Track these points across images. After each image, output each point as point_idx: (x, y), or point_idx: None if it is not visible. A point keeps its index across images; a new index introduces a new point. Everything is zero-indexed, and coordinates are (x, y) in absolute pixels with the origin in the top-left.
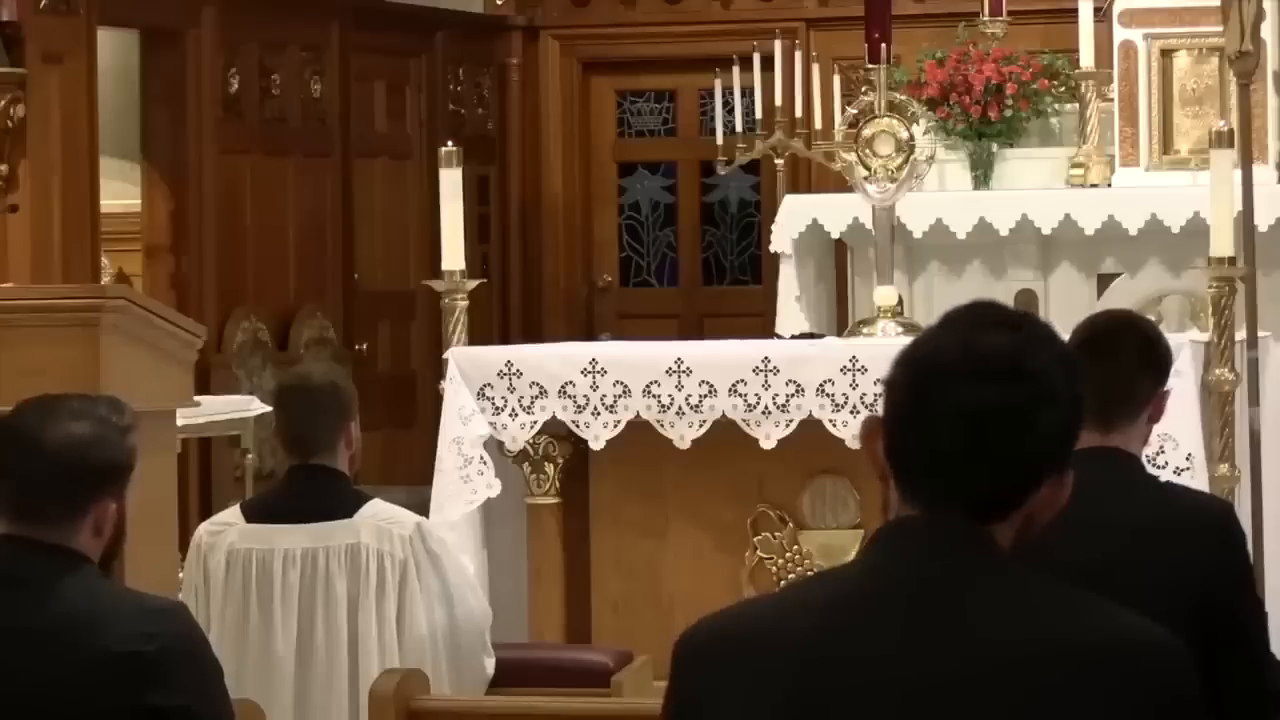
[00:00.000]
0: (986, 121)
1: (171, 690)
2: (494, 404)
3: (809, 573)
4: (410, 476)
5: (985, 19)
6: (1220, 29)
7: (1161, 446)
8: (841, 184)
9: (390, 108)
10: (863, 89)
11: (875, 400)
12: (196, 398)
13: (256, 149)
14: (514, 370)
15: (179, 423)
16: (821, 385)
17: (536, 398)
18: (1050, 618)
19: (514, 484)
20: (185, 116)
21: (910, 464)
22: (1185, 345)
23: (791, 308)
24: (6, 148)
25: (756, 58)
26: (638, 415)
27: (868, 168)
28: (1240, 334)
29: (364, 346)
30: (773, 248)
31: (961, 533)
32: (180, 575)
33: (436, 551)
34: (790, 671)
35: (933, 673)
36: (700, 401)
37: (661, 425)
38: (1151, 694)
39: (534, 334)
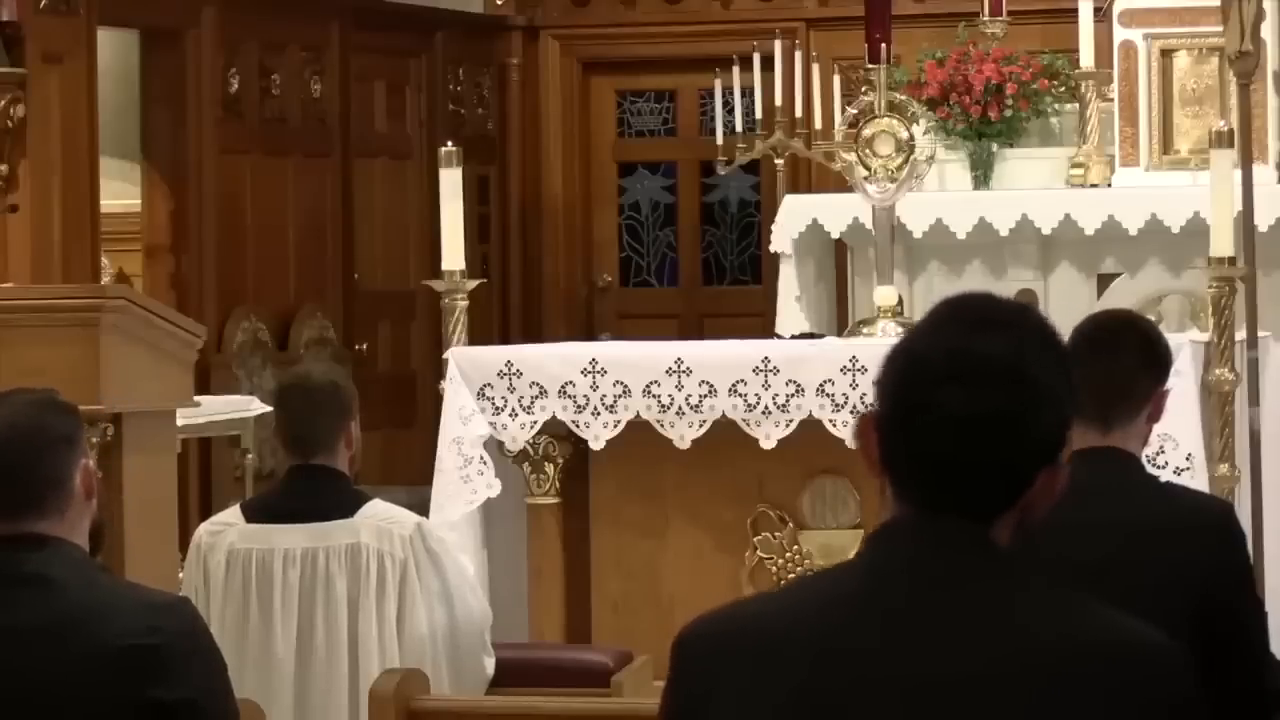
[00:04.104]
0: (986, 121)
1: (175, 684)
2: (494, 404)
3: (808, 573)
4: (410, 476)
5: (985, 19)
6: (1220, 29)
7: (1161, 446)
8: (841, 184)
9: (390, 108)
10: (863, 89)
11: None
12: (196, 398)
13: (256, 149)
14: (514, 370)
15: (179, 423)
16: (821, 385)
17: (536, 398)
18: (1050, 619)
19: (514, 484)
20: (185, 116)
21: (902, 466)
22: (1185, 345)
23: (791, 308)
24: (6, 148)
25: (756, 58)
26: (638, 415)
27: (868, 168)
28: (1240, 334)
29: (364, 346)
30: (773, 248)
31: (956, 534)
32: (180, 575)
33: (436, 551)
34: (791, 670)
35: (933, 672)
36: (700, 401)
37: (661, 425)
38: (1151, 698)
39: (534, 334)
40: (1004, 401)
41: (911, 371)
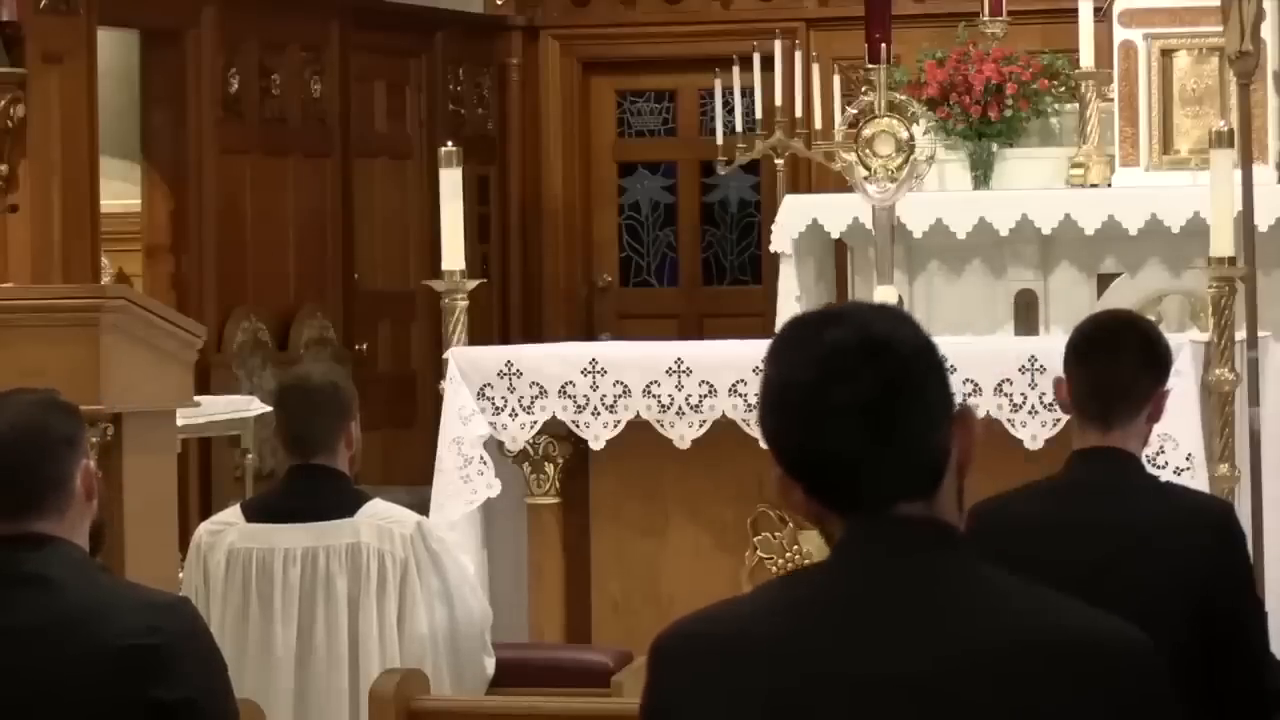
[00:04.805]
0: (986, 121)
1: (175, 684)
2: (494, 404)
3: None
4: (410, 476)
5: (985, 19)
6: (1220, 29)
7: (1161, 446)
8: (841, 184)
9: (390, 108)
10: (863, 89)
11: None
12: (196, 398)
13: (256, 149)
14: (514, 370)
15: (179, 423)
16: None
17: (536, 398)
18: (1018, 614)
19: (514, 484)
20: (185, 116)
21: (830, 487)
22: (1185, 345)
23: (791, 308)
24: (6, 148)
25: (756, 58)
26: (638, 415)
27: (868, 168)
28: (1240, 334)
29: (364, 346)
30: (773, 248)
31: (913, 529)
32: (180, 575)
33: (437, 551)
34: (765, 673)
35: (902, 671)
36: (700, 401)
37: (661, 425)
38: (1119, 690)
39: (534, 334)
40: (888, 374)
41: (789, 396)
